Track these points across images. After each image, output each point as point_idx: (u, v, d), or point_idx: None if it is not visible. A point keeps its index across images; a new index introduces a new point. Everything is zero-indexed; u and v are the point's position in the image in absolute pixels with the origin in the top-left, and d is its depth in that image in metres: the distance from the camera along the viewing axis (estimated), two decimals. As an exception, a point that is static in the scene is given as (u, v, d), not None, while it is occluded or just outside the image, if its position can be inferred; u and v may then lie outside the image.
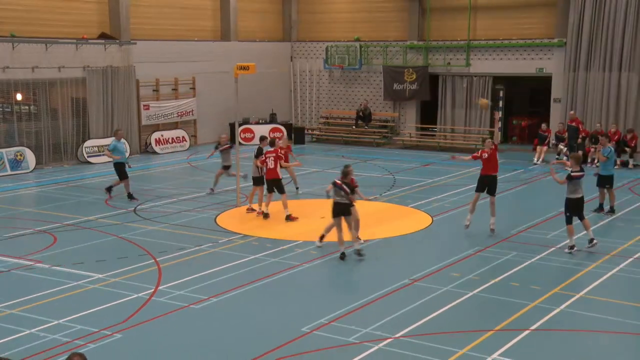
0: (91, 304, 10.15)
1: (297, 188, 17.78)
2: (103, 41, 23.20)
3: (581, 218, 12.89)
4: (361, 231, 14.21)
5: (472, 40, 26.53)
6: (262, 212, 15.21)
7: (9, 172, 20.53)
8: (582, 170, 12.78)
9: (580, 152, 21.75)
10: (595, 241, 12.81)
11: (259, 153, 15.39)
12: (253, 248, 13.12)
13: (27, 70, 21.18)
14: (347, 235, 12.38)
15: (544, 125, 23.39)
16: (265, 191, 15.41)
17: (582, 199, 12.78)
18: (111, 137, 23.18)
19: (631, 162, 21.85)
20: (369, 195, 14.65)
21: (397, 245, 13.50)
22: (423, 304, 10.20)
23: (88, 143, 22.66)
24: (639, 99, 23.79)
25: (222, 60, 26.63)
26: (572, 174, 12.66)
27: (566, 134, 22.53)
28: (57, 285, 10.94)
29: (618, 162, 21.69)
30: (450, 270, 11.75)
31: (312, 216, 15.49)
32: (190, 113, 26.27)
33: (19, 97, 21.14)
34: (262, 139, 16.19)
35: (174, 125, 25.75)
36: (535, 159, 22.63)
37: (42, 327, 9.33)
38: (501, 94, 26.76)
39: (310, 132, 28.76)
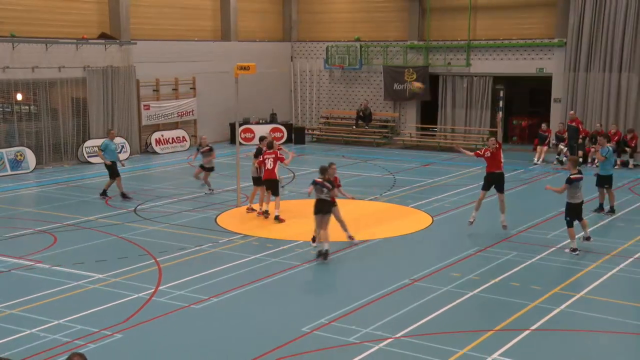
0: (91, 304, 10.15)
1: (282, 186, 17.71)
2: (103, 41, 23.20)
3: (580, 219, 12.93)
4: (362, 231, 14.23)
5: (472, 40, 26.53)
6: (263, 212, 15.21)
7: (9, 172, 20.54)
8: (580, 172, 12.78)
9: (580, 153, 21.82)
10: (591, 239, 12.93)
11: (258, 153, 15.41)
12: (253, 248, 13.13)
13: (27, 70, 21.18)
14: (327, 234, 12.26)
15: (544, 125, 23.39)
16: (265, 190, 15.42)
17: (582, 203, 12.81)
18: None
19: (631, 162, 21.85)
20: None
21: (397, 245, 13.50)
22: (423, 304, 10.20)
23: (88, 143, 22.66)
24: (639, 99, 23.78)
25: (223, 60, 26.64)
26: (571, 176, 12.66)
27: (566, 134, 22.53)
28: (58, 286, 10.94)
29: (618, 162, 21.70)
30: (450, 270, 11.75)
31: (312, 216, 15.47)
32: (191, 113, 26.28)
33: (19, 97, 21.14)
34: (262, 139, 16.17)
35: (174, 125, 25.76)
36: (536, 159, 22.63)
37: (42, 327, 9.33)
38: (501, 94, 26.76)
39: (310, 132, 28.76)
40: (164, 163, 23.09)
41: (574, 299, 10.40)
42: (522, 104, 28.85)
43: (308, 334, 9.14)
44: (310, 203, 16.70)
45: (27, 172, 20.91)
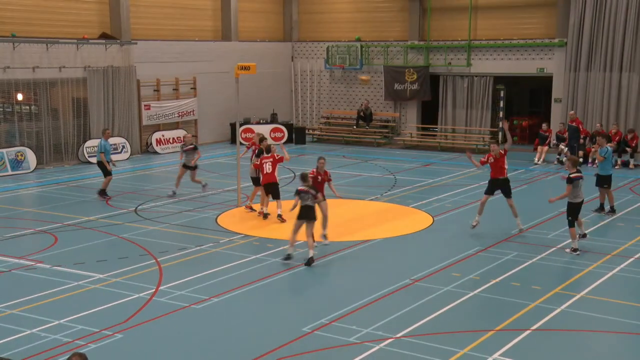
0: (92, 304, 10.16)
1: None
2: (104, 41, 23.21)
3: (576, 218, 12.96)
4: (363, 231, 14.25)
5: (472, 40, 26.53)
6: (262, 213, 15.21)
7: (10, 172, 20.55)
8: (579, 172, 12.78)
9: (581, 153, 21.81)
10: (587, 236, 13.03)
11: (260, 153, 15.43)
12: (254, 248, 13.13)
13: (28, 70, 21.19)
14: (302, 236, 12.29)
15: (544, 126, 23.39)
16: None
17: (582, 202, 12.81)
18: (112, 137, 23.28)
19: (632, 162, 21.85)
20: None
21: (398, 245, 13.50)
22: (424, 304, 10.20)
23: (89, 143, 22.66)
24: (639, 99, 23.77)
25: (223, 61, 26.65)
26: (571, 175, 12.66)
27: (567, 134, 22.52)
28: (58, 286, 10.95)
29: (619, 162, 21.71)
30: (451, 270, 11.76)
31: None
32: (191, 113, 26.28)
33: (19, 97, 21.15)
34: (262, 139, 16.16)
35: (175, 125, 25.76)
36: (536, 159, 22.63)
37: (43, 327, 9.34)
38: (502, 94, 26.76)
39: (311, 132, 28.76)
40: (165, 163, 23.09)
41: (574, 299, 10.40)
42: (523, 104, 28.86)
43: (309, 334, 9.14)
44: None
45: (28, 172, 20.92)
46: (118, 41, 23.47)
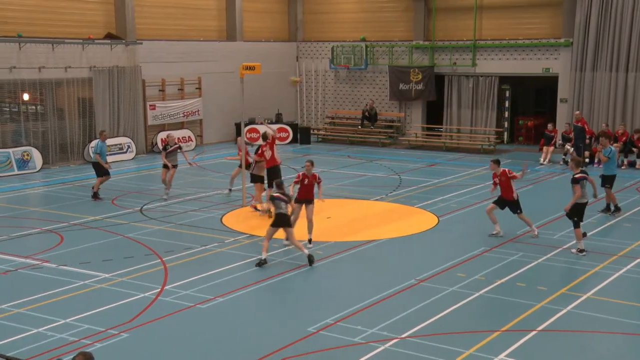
0: (98, 303, 10.18)
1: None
2: (109, 41, 23.26)
3: (571, 218, 12.91)
4: (367, 231, 14.24)
5: (478, 40, 26.48)
6: (264, 210, 15.22)
7: (16, 172, 20.61)
8: (583, 172, 12.73)
9: (587, 153, 21.74)
10: (587, 234, 13.01)
11: (258, 149, 15.73)
12: (259, 248, 13.08)
13: (34, 70, 21.26)
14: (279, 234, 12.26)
15: (550, 126, 23.33)
16: (265, 185, 15.49)
17: (586, 203, 12.76)
18: (117, 137, 23.39)
19: (638, 162, 21.76)
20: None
21: (403, 246, 13.49)
22: (429, 304, 10.19)
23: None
24: (645, 99, 23.71)
25: (228, 61, 26.68)
26: (575, 176, 12.62)
27: (572, 134, 22.46)
28: (64, 285, 10.97)
29: (625, 162, 21.64)
30: (456, 270, 11.74)
31: (318, 216, 15.48)
32: (196, 113, 26.32)
33: (25, 97, 21.21)
34: (264, 137, 16.28)
35: (180, 125, 25.80)
36: (542, 160, 22.57)
37: (49, 326, 9.36)
38: (507, 94, 26.71)
39: (315, 132, 28.76)
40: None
41: (580, 299, 10.37)
42: (528, 104, 28.79)
43: (314, 334, 9.14)
44: (316, 203, 16.70)
45: (34, 172, 20.99)
46: (123, 41, 23.51)
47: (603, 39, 23.94)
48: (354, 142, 27.72)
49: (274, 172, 15.15)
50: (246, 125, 24.79)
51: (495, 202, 13.86)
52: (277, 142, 15.50)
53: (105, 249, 13.09)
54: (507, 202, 13.73)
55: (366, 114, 28.04)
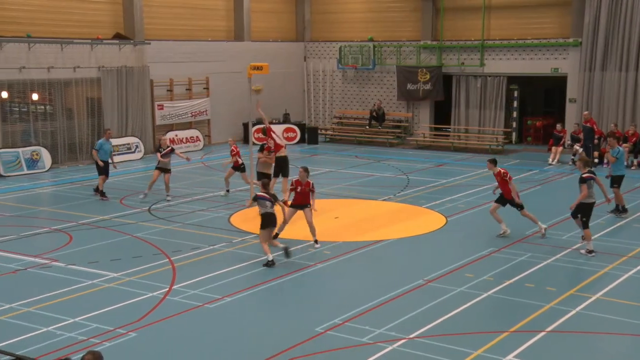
0: (106, 302, 10.22)
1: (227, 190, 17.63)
2: (117, 41, 23.34)
3: (575, 217, 12.87)
4: (375, 231, 14.23)
5: (486, 40, 26.41)
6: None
7: (26, 172, 20.71)
8: (591, 172, 12.67)
9: (596, 153, 21.64)
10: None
11: (262, 149, 16.18)
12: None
13: (43, 70, 21.36)
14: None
15: (559, 126, 23.23)
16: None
17: (594, 203, 12.69)
18: (125, 137, 23.47)
19: (648, 162, 21.64)
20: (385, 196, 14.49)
21: (411, 246, 13.47)
22: (437, 304, 10.16)
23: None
24: (655, 99, 23.57)
25: (236, 60, 26.71)
26: (583, 175, 12.56)
27: (581, 134, 22.36)
28: (73, 284, 11.02)
29: (635, 163, 21.52)
30: (464, 271, 11.70)
31: (326, 216, 15.50)
32: (204, 113, 26.37)
33: (35, 97, 21.31)
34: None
35: (188, 125, 25.86)
36: (551, 160, 22.48)
37: (58, 325, 9.40)
38: (515, 94, 26.62)
39: (323, 132, 28.75)
40: (178, 163, 23.15)
41: (589, 300, 10.32)
42: (537, 104, 28.68)
43: (321, 334, 9.13)
44: (324, 203, 16.70)
45: (43, 172, 21.08)
46: (132, 41, 23.59)
47: (612, 39, 23.81)
48: (362, 142, 27.70)
49: (283, 163, 15.29)
50: (254, 125, 24.83)
51: (496, 201, 13.86)
52: (274, 131, 16.26)
53: (113, 248, 13.14)
54: (508, 200, 13.70)
55: (374, 114, 28.01)
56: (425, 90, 27.33)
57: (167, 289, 10.79)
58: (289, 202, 14.64)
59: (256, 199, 12.30)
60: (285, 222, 13.05)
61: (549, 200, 17.11)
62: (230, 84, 26.74)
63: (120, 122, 23.34)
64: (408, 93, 27.72)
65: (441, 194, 17.87)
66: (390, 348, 8.73)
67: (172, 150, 17.53)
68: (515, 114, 26.79)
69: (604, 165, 21.06)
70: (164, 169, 17.15)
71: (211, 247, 13.05)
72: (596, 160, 21.45)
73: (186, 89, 25.84)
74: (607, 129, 22.55)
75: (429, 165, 22.49)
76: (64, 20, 22.33)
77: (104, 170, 17.33)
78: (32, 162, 21.05)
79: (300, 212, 13.10)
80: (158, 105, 24.71)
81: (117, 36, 23.61)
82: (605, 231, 14.14)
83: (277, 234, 13.05)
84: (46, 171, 21.17)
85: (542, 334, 9.14)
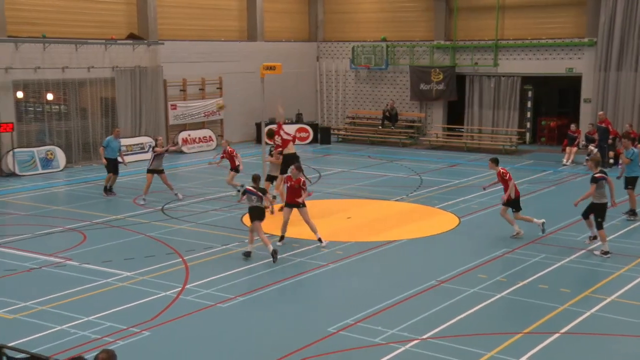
0: (120, 301, 10.27)
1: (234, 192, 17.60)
2: (131, 42, 23.47)
3: (586, 218, 12.79)
4: (388, 231, 14.20)
5: (500, 40, 26.27)
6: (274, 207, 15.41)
7: (40, 171, 20.87)
8: (602, 172, 12.58)
9: (611, 154, 21.44)
10: (597, 238, 12.80)
11: (271, 153, 16.24)
12: (279, 247, 13.13)
13: (58, 70, 21.52)
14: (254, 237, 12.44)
15: (573, 126, 23.06)
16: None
17: (607, 204, 12.58)
18: (139, 136, 23.61)
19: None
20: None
21: (423, 246, 13.42)
22: (450, 305, 10.12)
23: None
24: (671, 99, 23.34)
25: (249, 61, 26.76)
26: (595, 175, 12.46)
27: (596, 134, 22.17)
28: (87, 283, 11.08)
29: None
30: (477, 272, 11.65)
31: (338, 216, 15.50)
32: (217, 113, 26.44)
33: (49, 97, 21.48)
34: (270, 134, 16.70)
35: (201, 125, 25.94)
36: (565, 160, 22.32)
37: (72, 323, 9.46)
38: (530, 94, 26.45)
39: (336, 132, 28.74)
40: (191, 162, 23.26)
41: (605, 302, 10.23)
42: (551, 104, 28.49)
43: (334, 334, 9.12)
44: (337, 203, 16.70)
45: (57, 171, 21.24)
46: (145, 41, 23.70)
47: (628, 38, 23.59)
48: (375, 142, 27.65)
49: (291, 160, 15.27)
50: (266, 125, 24.88)
51: (504, 204, 13.81)
52: (283, 128, 16.09)
53: (127, 247, 13.21)
54: (514, 200, 13.63)
55: (387, 114, 27.96)
56: (439, 91, 27.24)
57: (180, 288, 10.83)
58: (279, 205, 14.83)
59: (245, 192, 12.42)
60: (284, 222, 13.15)
61: (563, 201, 16.96)
62: (243, 84, 26.79)
63: (134, 122, 23.46)
64: (421, 93, 27.64)
65: (454, 194, 17.79)
66: (402, 349, 8.70)
67: (167, 151, 17.71)
68: (529, 114, 26.63)
69: (619, 166, 20.88)
70: (156, 171, 17.06)
71: (224, 247, 13.08)
72: (611, 161, 21.26)
73: (199, 89, 25.93)
74: (622, 130, 22.36)
75: (442, 166, 22.41)
76: (78, 21, 22.49)
77: (110, 169, 17.52)
78: (47, 162, 21.21)
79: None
80: (171, 105, 24.81)
81: (131, 36, 23.74)
82: (620, 232, 14.01)
83: (282, 236, 13.14)
84: (60, 170, 21.32)
85: (556, 335, 9.08)
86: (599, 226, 12.50)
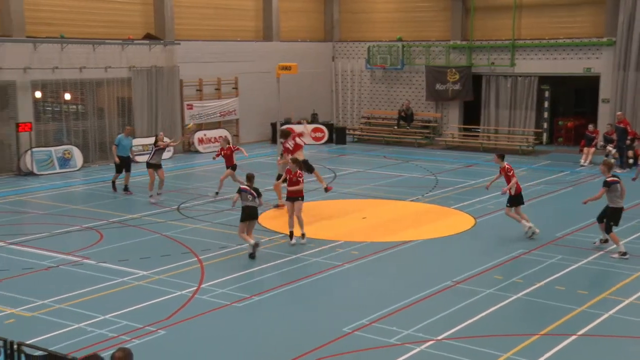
0: (136, 300, 10.33)
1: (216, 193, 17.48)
2: (148, 42, 23.61)
3: (601, 221, 12.67)
4: (403, 232, 14.16)
5: (516, 39, 26.09)
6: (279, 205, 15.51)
7: (58, 170, 21.07)
8: (615, 176, 12.46)
9: (630, 153, 21.21)
10: (608, 241, 12.71)
11: (282, 155, 16.24)
12: (295, 247, 13.15)
13: (75, 70, 21.70)
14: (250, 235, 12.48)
15: (591, 127, 22.85)
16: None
17: (622, 208, 12.45)
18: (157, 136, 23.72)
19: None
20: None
21: (439, 247, 13.37)
22: (465, 306, 10.07)
23: (133, 142, 23.01)
24: (691, 99, 23.03)
25: (265, 60, 26.81)
26: (608, 179, 12.34)
27: (614, 135, 21.95)
28: (104, 282, 11.17)
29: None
30: (493, 272, 11.58)
31: (354, 216, 15.48)
32: (233, 113, 26.52)
33: (67, 96, 21.67)
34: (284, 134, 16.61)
35: (217, 125, 26.03)
36: (583, 161, 22.12)
37: (89, 321, 9.54)
38: (547, 94, 26.25)
39: (351, 132, 28.71)
40: (207, 162, 23.34)
41: (623, 304, 10.13)
42: (568, 105, 28.24)
43: (349, 335, 9.11)
44: (352, 203, 16.67)
45: (75, 170, 21.43)
46: (162, 41, 23.84)
47: (647, 38, 23.33)
48: (390, 142, 27.58)
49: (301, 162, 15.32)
50: (282, 124, 24.91)
51: (509, 204, 13.74)
52: (298, 139, 16.03)
53: (143, 246, 13.29)
54: (518, 196, 13.56)
55: (402, 114, 27.88)
56: (455, 91, 27.11)
57: (196, 288, 10.87)
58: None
59: (240, 191, 12.46)
60: (290, 217, 13.24)
61: (581, 203, 16.81)
62: (259, 83, 26.85)
63: (150, 121, 23.60)
64: (437, 93, 27.53)
65: (470, 194, 17.70)
66: (418, 349, 8.67)
67: (168, 145, 17.98)
68: (546, 115, 26.42)
69: (638, 167, 20.65)
70: (156, 165, 17.08)
71: (239, 247, 13.11)
72: (631, 161, 21.05)
73: (215, 89, 26.02)
74: (641, 130, 22.14)
75: (458, 166, 22.30)
76: (95, 21, 22.67)
77: (120, 167, 17.73)
78: (64, 161, 21.41)
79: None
80: (187, 105, 24.92)
81: (148, 36, 23.88)
82: (638, 234, 13.84)
83: (292, 232, 13.19)
84: (78, 170, 21.51)
85: (573, 337, 9.00)
86: (609, 230, 12.39)
